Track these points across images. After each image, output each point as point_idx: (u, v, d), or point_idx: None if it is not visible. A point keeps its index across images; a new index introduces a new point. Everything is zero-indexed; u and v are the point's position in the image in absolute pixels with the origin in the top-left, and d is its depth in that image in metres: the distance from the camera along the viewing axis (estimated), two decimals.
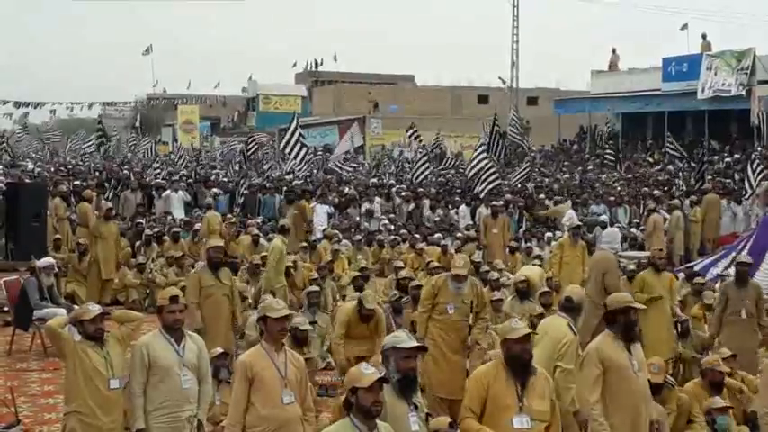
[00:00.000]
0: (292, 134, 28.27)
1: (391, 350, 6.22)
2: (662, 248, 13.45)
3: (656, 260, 12.52)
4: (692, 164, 29.13)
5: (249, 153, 32.60)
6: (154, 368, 7.29)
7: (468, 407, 6.46)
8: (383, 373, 5.78)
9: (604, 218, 21.18)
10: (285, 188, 24.77)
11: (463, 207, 25.38)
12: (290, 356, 6.92)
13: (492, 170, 27.20)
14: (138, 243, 19.61)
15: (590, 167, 35.62)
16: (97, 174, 30.08)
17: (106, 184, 24.98)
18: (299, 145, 27.97)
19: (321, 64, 76.40)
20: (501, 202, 22.38)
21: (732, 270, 17.74)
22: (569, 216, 21.98)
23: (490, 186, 26.28)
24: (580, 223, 16.72)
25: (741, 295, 12.21)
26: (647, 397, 7.22)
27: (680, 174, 29.49)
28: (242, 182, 27.32)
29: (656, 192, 25.86)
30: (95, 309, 7.66)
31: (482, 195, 25.40)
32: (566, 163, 38.46)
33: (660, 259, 12.58)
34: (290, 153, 28.85)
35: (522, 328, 6.48)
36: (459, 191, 28.19)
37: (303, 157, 28.42)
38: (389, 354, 6.23)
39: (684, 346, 12.43)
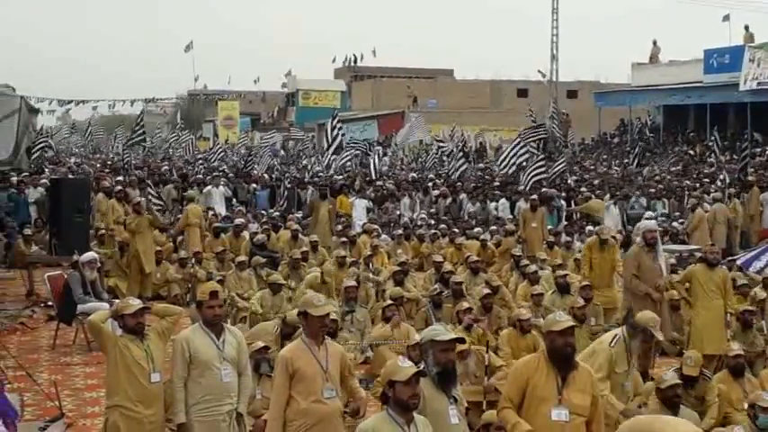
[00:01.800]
0: (332, 130, 28.40)
1: (429, 343, 6.22)
2: (714, 244, 13.23)
3: (709, 256, 12.26)
4: (735, 156, 28.81)
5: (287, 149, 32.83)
6: (194, 362, 7.35)
7: (508, 397, 6.45)
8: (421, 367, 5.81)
9: (649, 214, 21.01)
10: (319, 183, 24.78)
11: (503, 201, 25.31)
12: (332, 350, 6.93)
13: (539, 163, 27.18)
14: (179, 238, 19.81)
15: (630, 160, 35.37)
16: (137, 171, 30.34)
17: (148, 181, 25.21)
18: (338, 140, 28.09)
19: (361, 59, 76.52)
20: (536, 196, 22.29)
21: None
22: (614, 222, 22.10)
23: (537, 178, 26.26)
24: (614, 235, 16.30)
25: None
26: None
27: (723, 167, 29.17)
28: (284, 177, 27.48)
29: (698, 185, 25.64)
30: (136, 303, 7.75)
31: (527, 188, 25.36)
32: (605, 156, 38.22)
33: (713, 254, 12.34)
34: (328, 148, 28.98)
35: (565, 321, 6.43)
36: (497, 184, 28.09)
37: (344, 152, 28.56)
38: (428, 347, 6.22)
39: (740, 339, 12.35)
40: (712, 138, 30.64)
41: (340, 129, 29.34)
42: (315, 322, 6.84)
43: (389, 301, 12.28)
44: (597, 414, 6.49)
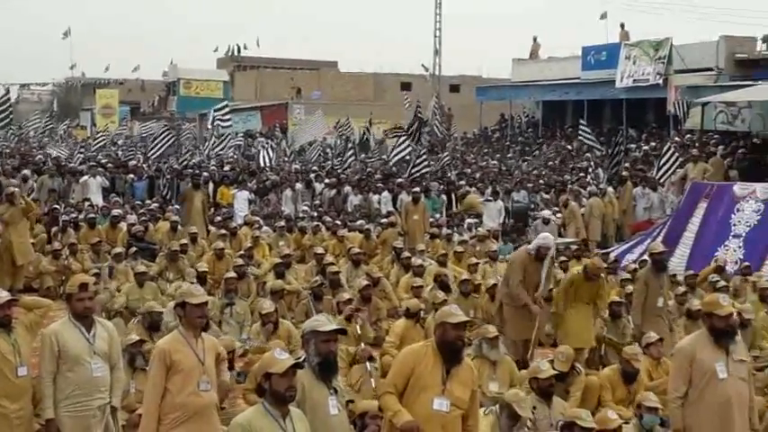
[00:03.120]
0: (214, 120, 28.19)
1: (311, 333, 6.23)
2: (599, 263, 13.04)
3: (592, 274, 12.07)
4: (610, 151, 29.55)
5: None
6: (63, 357, 7.15)
7: (392, 383, 6.47)
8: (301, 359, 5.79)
9: (547, 213, 21.21)
10: (192, 173, 24.34)
11: (385, 193, 25.44)
12: (208, 343, 6.87)
13: (422, 157, 27.43)
14: (54, 229, 19.25)
15: (510, 155, 35.98)
16: (10, 159, 29.38)
17: (25, 171, 24.47)
18: (226, 131, 27.87)
19: (245, 49, 75.78)
20: (420, 188, 22.49)
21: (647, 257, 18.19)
22: (493, 217, 22.29)
23: (421, 173, 26.53)
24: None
25: (659, 283, 12.48)
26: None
27: (598, 161, 29.92)
28: (164, 168, 26.99)
29: (574, 179, 26.24)
30: (4, 295, 7.48)
31: (412, 180, 25.59)
32: (486, 150, 38.75)
33: (595, 272, 12.13)
34: (209, 139, 28.73)
35: (461, 315, 6.49)
36: (381, 177, 28.21)
37: (225, 143, 28.28)
38: (309, 337, 6.23)
39: (611, 330, 12.68)
40: (582, 131, 31.30)
41: (228, 119, 29.18)
42: (194, 312, 6.74)
43: (267, 307, 12.06)
44: (474, 408, 6.60)
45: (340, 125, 38.91)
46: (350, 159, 31.20)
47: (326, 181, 27.24)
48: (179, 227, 18.96)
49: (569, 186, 24.72)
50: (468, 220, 22.76)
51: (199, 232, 18.71)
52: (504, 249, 19.34)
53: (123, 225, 19.20)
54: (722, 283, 14.99)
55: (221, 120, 29.30)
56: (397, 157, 28.69)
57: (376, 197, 25.49)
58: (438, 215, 23.36)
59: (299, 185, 26.31)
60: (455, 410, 6.40)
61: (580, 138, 32.00)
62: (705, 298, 8.98)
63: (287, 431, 5.58)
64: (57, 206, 21.21)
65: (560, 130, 39.95)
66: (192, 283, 12.26)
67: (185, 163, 28.86)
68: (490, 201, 23.46)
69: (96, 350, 7.24)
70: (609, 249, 19.97)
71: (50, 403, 7.10)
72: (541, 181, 27.12)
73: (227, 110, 28.25)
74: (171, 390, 6.57)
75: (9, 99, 33.36)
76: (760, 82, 25.91)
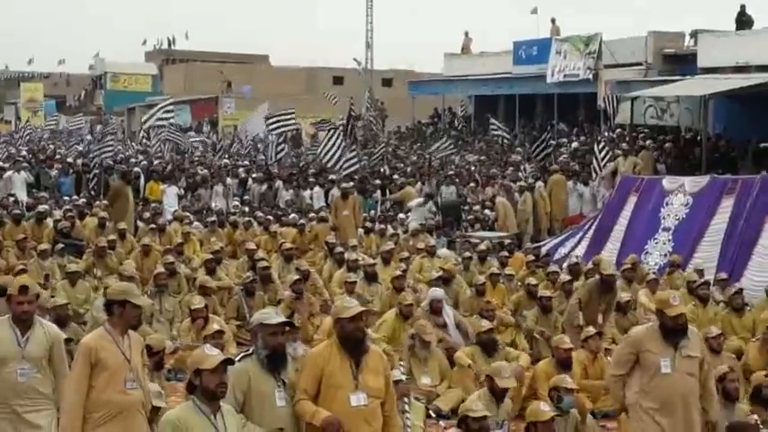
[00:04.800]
0: (152, 116, 27.94)
1: (259, 326, 6.29)
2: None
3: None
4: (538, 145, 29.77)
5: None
6: None
7: (303, 388, 6.37)
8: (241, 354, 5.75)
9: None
10: (122, 168, 23.87)
11: (317, 188, 25.34)
12: (134, 340, 6.71)
13: (352, 152, 27.35)
14: None
15: (439, 149, 36.05)
16: None
17: None
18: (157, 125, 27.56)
19: (173, 43, 74.98)
20: (351, 184, 22.39)
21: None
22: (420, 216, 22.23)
23: (351, 169, 26.44)
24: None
25: (600, 302, 12.81)
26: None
27: (529, 156, 30.12)
28: (93, 163, 26.49)
29: (505, 173, 26.38)
30: None
31: (341, 175, 25.47)
32: (419, 144, 38.81)
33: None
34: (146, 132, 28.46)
35: (354, 307, 6.45)
36: (314, 172, 28.08)
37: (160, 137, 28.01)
38: (257, 330, 6.29)
39: (542, 323, 12.80)
40: (492, 125, 31.55)
41: (171, 115, 29.00)
42: (133, 312, 6.61)
43: (197, 303, 11.98)
44: (389, 395, 6.57)
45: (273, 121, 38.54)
46: (281, 154, 30.97)
47: (254, 176, 27.05)
48: (107, 223, 18.62)
49: (500, 181, 24.84)
50: (401, 215, 22.72)
51: (128, 228, 18.38)
52: (438, 243, 19.37)
53: (50, 221, 18.84)
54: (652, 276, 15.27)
55: (165, 113, 28.95)
56: (329, 153, 28.54)
57: (308, 192, 25.38)
58: (372, 212, 23.33)
59: (229, 180, 26.06)
60: (373, 401, 6.39)
61: (493, 132, 32.33)
62: (657, 295, 9.17)
63: (218, 427, 5.56)
64: None
65: (492, 124, 40.16)
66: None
67: (113, 158, 28.33)
68: (421, 205, 23.11)
69: (26, 355, 6.97)
70: (541, 243, 20.09)
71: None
72: (476, 176, 27.18)
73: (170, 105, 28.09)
74: (95, 387, 6.40)
75: None
76: (688, 77, 26.29)
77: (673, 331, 7.31)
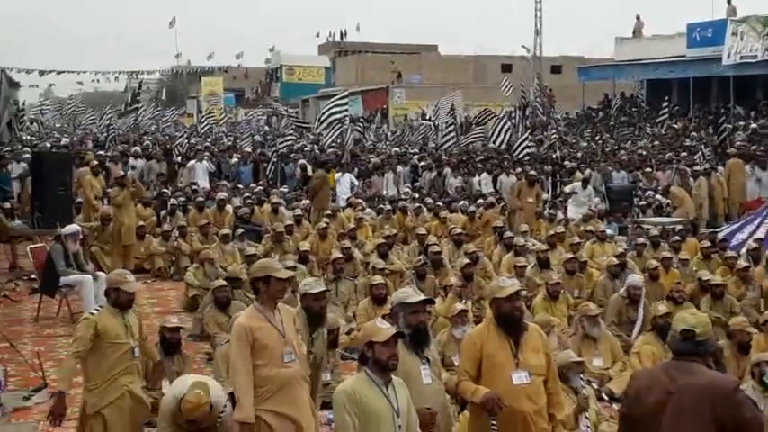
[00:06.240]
0: (330, 107, 28.68)
1: (399, 306, 6.34)
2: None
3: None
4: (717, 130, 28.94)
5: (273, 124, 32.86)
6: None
7: (464, 370, 6.42)
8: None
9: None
10: (321, 159, 24.81)
11: (485, 174, 25.41)
12: (285, 313, 6.78)
13: (527, 138, 27.35)
14: (163, 212, 19.84)
15: (613, 135, 35.46)
16: (122, 145, 30.26)
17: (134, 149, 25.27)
18: (333, 117, 28.27)
19: (345, 34, 76.33)
20: (534, 171, 22.33)
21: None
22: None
23: (526, 151, 26.50)
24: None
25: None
26: None
27: (704, 140, 29.31)
28: (270, 152, 27.46)
29: (680, 159, 25.77)
30: (133, 282, 7.67)
31: (517, 161, 25.53)
32: (589, 131, 38.30)
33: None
34: (321, 123, 29.17)
35: (509, 287, 6.40)
36: (481, 158, 28.16)
37: (335, 128, 28.71)
38: (398, 309, 6.33)
39: (717, 309, 12.50)
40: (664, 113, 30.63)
41: (346, 106, 29.77)
42: (278, 286, 6.66)
43: (378, 279, 12.26)
44: (552, 372, 6.52)
45: (437, 107, 38.78)
46: (450, 142, 31.20)
47: (422, 163, 27.34)
48: (281, 209, 19.32)
49: (674, 166, 24.27)
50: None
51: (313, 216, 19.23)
52: (609, 229, 19.13)
53: (230, 208, 19.65)
54: None
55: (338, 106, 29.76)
56: (499, 139, 28.57)
57: (476, 179, 25.47)
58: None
59: (400, 168, 26.46)
60: (536, 378, 6.35)
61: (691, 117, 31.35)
62: None
63: (389, 398, 5.64)
64: (165, 190, 21.86)
65: (665, 109, 39.23)
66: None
67: (288, 148, 29.17)
68: (577, 191, 22.71)
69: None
70: (718, 229, 19.54)
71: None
72: (648, 161, 26.63)
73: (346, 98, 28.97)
74: (257, 365, 6.51)
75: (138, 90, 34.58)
76: None
77: None
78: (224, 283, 12.07)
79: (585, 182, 22.94)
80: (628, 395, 5.16)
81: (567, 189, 22.92)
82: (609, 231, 18.76)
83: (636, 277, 12.32)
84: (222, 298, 11.72)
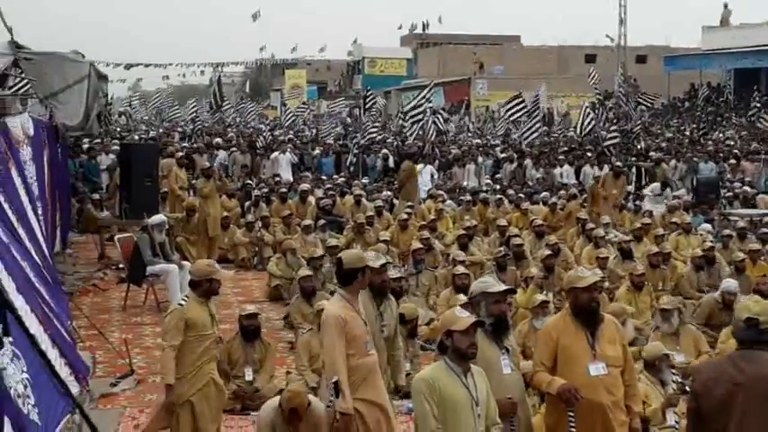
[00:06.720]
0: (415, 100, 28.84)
1: (481, 295, 6.30)
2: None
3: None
4: None
5: (368, 106, 33.00)
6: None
7: (540, 361, 6.39)
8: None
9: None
10: (409, 150, 24.88)
11: (566, 166, 25.19)
12: (361, 301, 6.92)
13: (613, 128, 27.13)
14: (247, 203, 20.11)
15: (700, 125, 34.80)
16: (208, 137, 30.74)
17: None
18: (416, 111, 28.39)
19: (427, 27, 76.24)
20: (620, 162, 22.08)
21: None
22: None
23: (612, 142, 26.27)
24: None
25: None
26: None
27: None
28: (351, 144, 27.64)
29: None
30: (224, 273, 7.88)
31: (599, 153, 25.31)
32: (674, 121, 37.67)
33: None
34: (405, 115, 29.34)
35: (589, 276, 6.35)
36: (564, 150, 27.91)
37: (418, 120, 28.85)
38: (480, 299, 6.30)
39: None
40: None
41: (429, 97, 29.95)
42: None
43: (461, 269, 12.24)
44: (628, 363, 6.44)
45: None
46: (533, 134, 31.00)
47: (503, 155, 27.20)
48: (363, 201, 19.42)
49: (763, 157, 23.74)
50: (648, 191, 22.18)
51: (415, 206, 19.38)
52: (695, 221, 18.80)
53: (312, 199, 19.81)
54: None
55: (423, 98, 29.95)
56: (587, 129, 28.26)
57: (557, 170, 25.27)
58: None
59: (481, 159, 26.37)
60: (613, 370, 6.28)
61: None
62: None
63: (468, 387, 5.64)
64: (249, 181, 22.14)
65: (754, 98, 38.37)
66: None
67: (371, 140, 29.30)
68: (656, 194, 22.02)
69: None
70: None
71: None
72: (735, 151, 26.09)
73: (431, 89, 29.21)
74: (348, 354, 6.58)
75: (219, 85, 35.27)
76: None
77: None
78: (309, 272, 12.16)
79: (665, 184, 22.51)
80: (694, 389, 5.08)
81: (646, 191, 22.51)
82: (695, 223, 18.43)
83: (732, 283, 11.93)
84: (307, 288, 11.81)
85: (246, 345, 9.51)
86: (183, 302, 7.62)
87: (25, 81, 14.78)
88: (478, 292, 6.34)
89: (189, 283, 7.85)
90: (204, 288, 7.56)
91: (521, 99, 31.25)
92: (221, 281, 7.71)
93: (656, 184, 22.37)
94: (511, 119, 32.78)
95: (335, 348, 6.51)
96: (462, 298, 10.74)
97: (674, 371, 8.50)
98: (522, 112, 30.94)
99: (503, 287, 6.37)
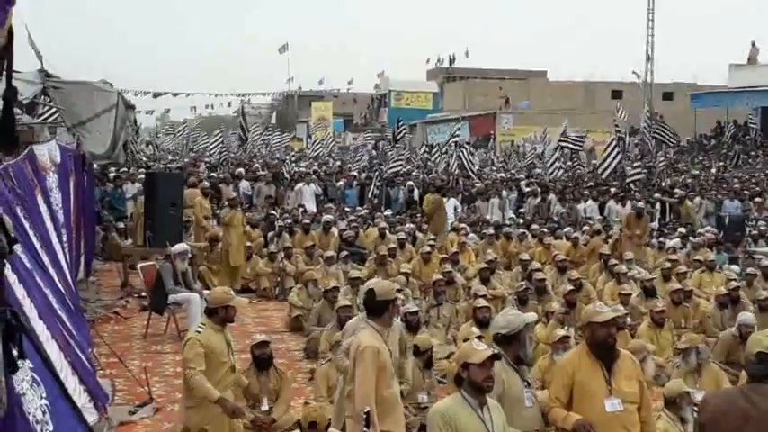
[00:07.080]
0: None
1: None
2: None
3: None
4: None
5: (399, 136, 33.42)
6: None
7: (555, 396, 6.38)
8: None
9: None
10: (437, 184, 25.06)
11: (590, 202, 25.14)
12: (391, 332, 6.97)
13: (637, 164, 27.14)
14: (270, 233, 20.17)
15: (725, 163, 34.67)
16: (233, 167, 30.95)
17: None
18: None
19: (454, 61, 76.52)
20: (642, 203, 21.95)
21: None
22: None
23: (635, 178, 26.26)
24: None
25: None
26: None
27: None
28: (375, 175, 27.73)
29: None
30: (235, 296, 7.96)
31: (624, 189, 25.29)
32: (700, 158, 37.55)
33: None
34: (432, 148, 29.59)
35: (607, 312, 6.36)
36: (590, 185, 27.86)
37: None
38: (523, 330, 6.45)
39: None
40: None
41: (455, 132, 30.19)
42: (395, 309, 6.90)
43: (482, 302, 12.19)
44: (645, 400, 6.41)
45: (544, 134, 38.63)
46: (555, 170, 31.03)
47: (527, 189, 27.19)
48: (387, 233, 19.43)
49: None
50: (681, 229, 22.06)
51: (441, 239, 19.52)
52: (720, 259, 18.67)
53: (335, 230, 19.87)
54: None
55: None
56: (609, 168, 28.22)
57: (581, 206, 25.22)
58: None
59: (505, 193, 26.38)
60: (630, 406, 6.25)
61: None
62: None
63: (484, 420, 5.63)
64: (273, 212, 22.24)
65: None
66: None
67: (395, 171, 29.38)
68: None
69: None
70: None
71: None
72: (758, 188, 26.00)
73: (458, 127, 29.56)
74: (377, 385, 6.53)
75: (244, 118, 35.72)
76: None
77: None
78: (348, 303, 12.00)
79: (684, 238, 22.12)
80: (701, 421, 5.05)
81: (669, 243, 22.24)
82: (719, 261, 18.29)
83: (748, 315, 11.86)
84: (346, 318, 11.73)
85: (261, 374, 9.51)
86: (199, 329, 7.66)
87: (54, 110, 14.97)
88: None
89: (205, 310, 7.92)
90: (220, 315, 7.61)
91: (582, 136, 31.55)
92: (237, 308, 7.75)
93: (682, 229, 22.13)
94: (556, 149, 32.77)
95: (370, 380, 6.43)
96: (476, 331, 10.75)
97: (695, 408, 8.42)
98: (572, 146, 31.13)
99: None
